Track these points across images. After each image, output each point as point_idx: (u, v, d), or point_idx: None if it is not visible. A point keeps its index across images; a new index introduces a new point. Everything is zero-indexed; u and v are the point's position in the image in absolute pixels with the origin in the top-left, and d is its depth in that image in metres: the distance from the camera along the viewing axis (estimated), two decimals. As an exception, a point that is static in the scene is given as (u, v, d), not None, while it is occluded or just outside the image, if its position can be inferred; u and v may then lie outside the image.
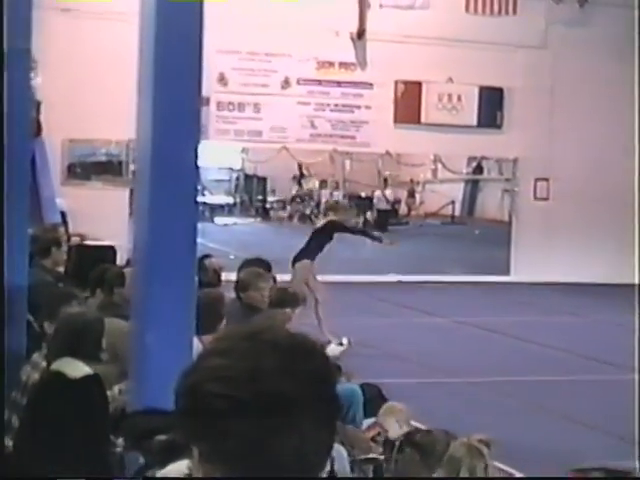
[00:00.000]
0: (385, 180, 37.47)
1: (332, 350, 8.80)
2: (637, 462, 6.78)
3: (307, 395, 1.67)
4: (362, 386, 8.51)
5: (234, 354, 1.69)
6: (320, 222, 15.07)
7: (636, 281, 21.01)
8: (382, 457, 7.00)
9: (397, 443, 6.01)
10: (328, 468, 5.65)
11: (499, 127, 21.54)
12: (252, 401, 1.65)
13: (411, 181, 39.31)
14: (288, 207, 38.65)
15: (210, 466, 1.70)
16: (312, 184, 38.92)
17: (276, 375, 1.66)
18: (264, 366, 1.67)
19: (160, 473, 3.25)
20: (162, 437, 4.01)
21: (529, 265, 21.31)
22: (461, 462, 5.17)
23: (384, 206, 36.26)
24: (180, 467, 2.67)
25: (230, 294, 8.85)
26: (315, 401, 1.68)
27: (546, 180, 21.88)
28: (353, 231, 14.90)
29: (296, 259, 14.53)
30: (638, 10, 19.45)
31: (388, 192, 36.97)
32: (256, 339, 1.72)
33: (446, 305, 17.95)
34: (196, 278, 7.64)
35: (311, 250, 14.62)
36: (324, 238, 14.64)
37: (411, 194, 40.22)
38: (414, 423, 9.20)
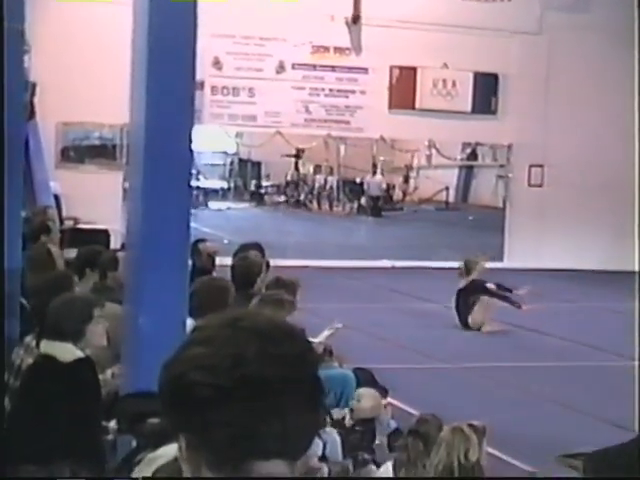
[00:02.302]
0: (374, 165, 37.39)
1: (323, 334, 8.78)
2: None
3: (289, 379, 1.68)
4: (355, 371, 8.52)
5: (215, 342, 1.70)
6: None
7: (634, 268, 21.06)
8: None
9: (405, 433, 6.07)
10: (320, 453, 5.67)
11: (494, 113, 21.52)
12: (235, 388, 1.66)
13: (406, 167, 39.29)
14: (283, 192, 38.61)
15: (196, 454, 1.71)
16: (307, 169, 38.88)
17: (258, 361, 1.67)
18: (245, 352, 1.67)
19: (151, 456, 3.26)
20: (154, 420, 4.02)
21: (523, 251, 21.33)
22: (452, 447, 5.20)
23: (375, 192, 36.19)
24: (171, 450, 2.68)
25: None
26: (297, 385, 1.69)
27: (540, 166, 21.89)
28: (494, 294, 15.03)
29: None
30: (638, 7, 19.37)
31: (378, 178, 36.86)
32: (236, 326, 1.72)
33: (439, 291, 17.93)
34: (190, 262, 7.65)
35: (464, 310, 14.94)
36: (470, 296, 14.97)
37: (406, 180, 40.20)
38: (406, 408, 9.23)
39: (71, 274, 8.03)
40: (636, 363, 11.80)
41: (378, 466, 6.68)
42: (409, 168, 39.64)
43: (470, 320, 14.83)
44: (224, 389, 1.66)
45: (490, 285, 15.00)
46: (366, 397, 7.37)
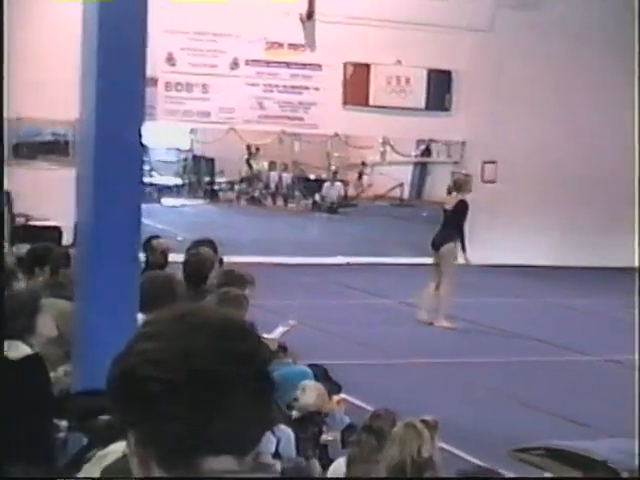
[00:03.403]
0: (335, 173, 37.47)
1: (277, 331, 8.77)
2: (583, 442, 6.85)
3: (238, 375, 1.68)
4: (308, 367, 8.52)
5: (165, 337, 1.69)
6: (451, 202, 15.06)
7: (585, 264, 21.25)
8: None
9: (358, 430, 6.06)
10: (273, 449, 5.66)
11: (447, 110, 21.60)
12: (184, 383, 1.65)
13: (363, 163, 39.36)
14: (237, 188, 38.52)
15: (144, 450, 1.70)
16: (261, 165, 38.82)
17: (207, 356, 1.67)
18: (195, 347, 1.67)
19: (101, 453, 3.24)
20: (105, 417, 3.99)
21: (477, 247, 21.32)
22: (405, 444, 5.20)
23: (333, 199, 36.25)
24: (121, 447, 2.66)
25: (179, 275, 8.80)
26: (246, 380, 1.69)
27: (493, 163, 22.01)
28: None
29: (439, 243, 14.91)
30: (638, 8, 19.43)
31: (337, 185, 36.95)
32: (186, 321, 1.72)
33: (394, 287, 18.02)
34: (140, 259, 7.60)
35: (452, 232, 14.86)
36: (460, 218, 14.90)
37: (360, 176, 40.27)
38: (360, 403, 9.26)
39: (16, 270, 7.96)
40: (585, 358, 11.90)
41: (331, 462, 6.68)
42: (364, 165, 39.72)
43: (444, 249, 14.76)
44: (173, 384, 1.65)
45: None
46: (310, 389, 7.36)
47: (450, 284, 14.82)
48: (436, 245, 14.99)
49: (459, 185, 15.21)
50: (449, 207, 15.05)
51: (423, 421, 5.33)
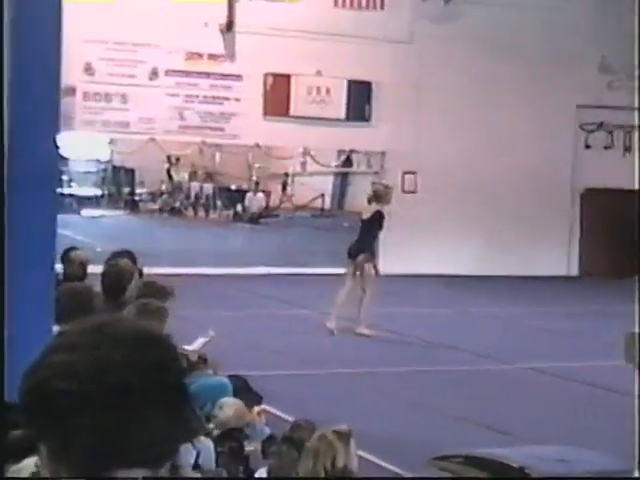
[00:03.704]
0: (256, 184, 37.47)
1: (197, 342, 8.73)
2: (501, 450, 6.93)
3: (152, 386, 1.67)
4: (229, 378, 8.49)
5: (79, 349, 1.67)
6: (368, 212, 15.13)
7: (504, 273, 21.49)
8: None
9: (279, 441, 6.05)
10: (193, 461, 5.60)
11: (367, 120, 21.71)
12: (98, 396, 1.63)
13: (286, 174, 39.38)
14: (158, 199, 38.30)
15: (57, 463, 1.68)
16: (182, 176, 38.65)
17: (121, 368, 1.65)
18: (109, 359, 1.65)
19: (14, 468, 3.19)
20: (18, 432, 3.93)
21: (397, 257, 21.54)
22: (318, 456, 5.21)
23: (255, 210, 36.22)
24: (34, 461, 2.63)
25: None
26: (161, 393, 1.68)
27: (413, 173, 22.17)
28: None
29: (355, 252, 14.98)
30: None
31: (259, 195, 36.94)
32: (101, 332, 1.70)
33: (314, 297, 18.02)
34: (58, 270, 7.51)
35: (368, 242, 14.99)
36: (376, 228, 14.99)
37: (283, 187, 40.27)
38: (281, 414, 9.25)
39: None
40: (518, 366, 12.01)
41: (252, 473, 6.66)
42: (287, 175, 39.75)
43: (361, 258, 14.82)
44: (86, 397, 1.63)
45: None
46: (227, 406, 7.31)
47: (370, 293, 14.89)
48: (352, 254, 15.05)
49: (379, 196, 15.27)
50: (366, 217, 15.13)
51: (336, 432, 5.34)
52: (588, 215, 23.58)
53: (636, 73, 20.85)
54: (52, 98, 4.56)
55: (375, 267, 15.13)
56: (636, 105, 22.18)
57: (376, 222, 15.01)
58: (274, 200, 39.36)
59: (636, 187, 23.08)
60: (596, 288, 21.47)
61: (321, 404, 10.28)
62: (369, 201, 15.50)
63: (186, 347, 8.45)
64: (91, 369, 1.64)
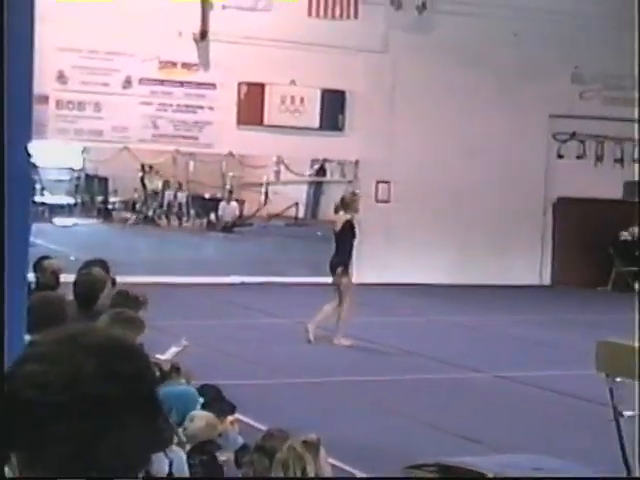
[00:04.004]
0: (230, 192, 37.42)
1: (170, 352, 8.70)
2: (474, 458, 6.95)
3: (125, 396, 1.67)
4: (202, 387, 8.46)
5: (51, 359, 1.67)
6: (339, 223, 15.10)
7: (478, 282, 21.56)
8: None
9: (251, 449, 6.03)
10: (167, 470, 5.56)
11: (341, 130, 21.75)
12: (71, 406, 1.63)
13: (267, 183, 39.27)
14: (131, 208, 38.18)
15: (30, 473, 1.67)
16: (155, 185, 38.55)
17: (94, 378, 1.65)
18: (82, 370, 1.65)
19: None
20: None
21: (370, 266, 21.57)
22: (288, 467, 5.21)
23: (229, 218, 36.15)
24: (6, 472, 2.61)
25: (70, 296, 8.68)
26: (134, 403, 1.68)
27: (387, 182, 22.22)
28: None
29: (335, 265, 15.03)
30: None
31: (232, 204, 36.88)
32: (73, 343, 1.70)
33: (288, 306, 18.04)
34: (31, 279, 7.47)
35: (344, 253, 14.96)
36: (349, 238, 14.99)
37: (267, 195, 40.09)
38: (254, 424, 9.24)
39: None
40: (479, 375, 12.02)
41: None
42: (267, 184, 39.71)
43: (339, 270, 14.82)
44: (59, 407, 1.63)
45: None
46: (198, 419, 7.28)
47: (348, 304, 14.90)
48: (332, 267, 15.08)
49: (346, 204, 15.26)
50: (338, 229, 15.14)
51: (305, 442, 5.34)
52: (560, 224, 23.70)
53: (636, 87, 20.97)
54: (25, 107, 4.55)
55: (348, 278, 15.15)
56: (608, 115, 22.34)
57: (348, 232, 15.03)
58: (248, 209, 39.33)
59: (608, 196, 23.28)
60: (568, 297, 21.57)
61: (295, 413, 10.27)
62: (336, 210, 15.51)
63: (158, 356, 8.42)
64: (64, 379, 1.64)
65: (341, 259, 15.01)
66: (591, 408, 10.46)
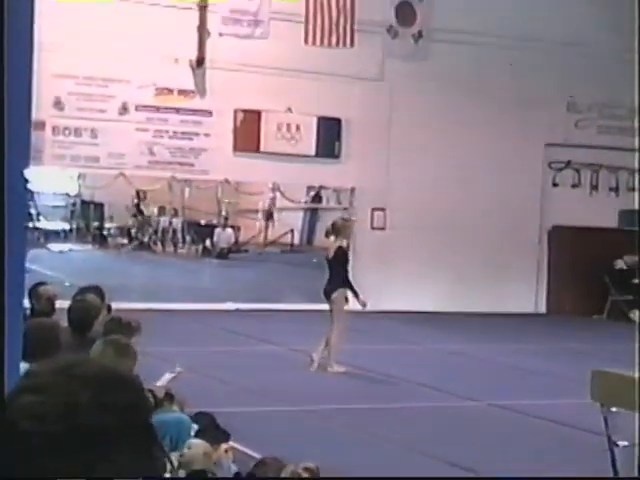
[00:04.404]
0: (226, 219, 37.47)
1: (164, 378, 8.68)
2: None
3: (122, 426, 1.67)
4: (196, 415, 8.44)
5: (47, 390, 1.67)
6: (331, 250, 15.08)
7: (472, 309, 21.56)
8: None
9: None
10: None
11: (337, 157, 21.80)
12: (67, 436, 1.63)
13: (256, 210, 39.34)
14: (126, 234, 38.19)
15: None
16: (151, 211, 38.59)
17: (90, 409, 1.65)
18: (78, 400, 1.66)
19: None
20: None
21: (365, 293, 21.49)
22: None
23: (224, 245, 36.17)
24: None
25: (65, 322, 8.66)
26: (130, 431, 1.69)
27: (382, 210, 22.25)
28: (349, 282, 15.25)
29: (329, 292, 14.98)
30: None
31: (228, 231, 36.92)
32: (68, 373, 1.70)
33: (283, 333, 18.02)
34: (26, 306, 7.46)
35: (337, 280, 14.94)
36: (342, 265, 14.98)
37: (271, 217, 40.08)
38: (249, 451, 9.21)
39: None
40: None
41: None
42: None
43: (335, 296, 14.80)
44: (55, 438, 1.63)
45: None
46: (195, 447, 7.26)
47: (341, 330, 14.88)
48: (327, 294, 15.07)
49: (337, 229, 15.23)
50: (330, 256, 15.13)
51: (306, 468, 5.33)
52: (556, 252, 23.73)
53: (636, 116, 21.05)
54: (23, 133, 4.56)
55: (359, 299, 15.15)
56: (603, 144, 22.41)
57: (340, 259, 15.03)
58: (244, 235, 39.37)
59: (603, 225, 23.32)
60: (564, 325, 21.57)
61: (289, 441, 10.24)
62: (327, 234, 15.52)
63: (153, 383, 8.40)
64: (60, 409, 1.65)
65: (335, 285, 14.99)
66: (586, 437, 10.45)
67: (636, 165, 22.58)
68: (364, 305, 15.19)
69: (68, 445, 1.64)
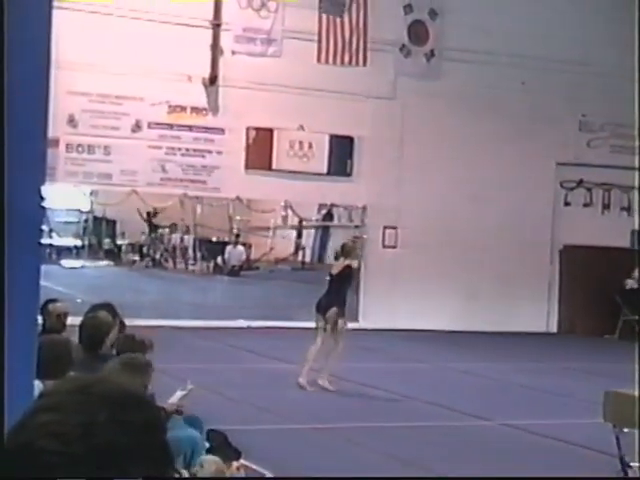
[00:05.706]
0: (237, 236, 37.50)
1: (176, 396, 8.68)
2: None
3: (139, 445, 1.69)
4: (208, 432, 8.44)
5: (65, 409, 1.68)
6: (338, 267, 14.98)
7: (483, 329, 21.52)
8: None
9: None
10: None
11: (349, 175, 21.83)
12: (86, 455, 1.64)
13: (300, 226, 39.32)
14: (138, 250, 38.26)
15: None
16: (162, 228, 38.65)
17: (107, 428, 1.66)
18: (96, 419, 1.67)
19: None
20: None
21: (377, 312, 21.60)
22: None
23: (235, 262, 36.19)
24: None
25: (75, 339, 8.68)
26: (147, 450, 1.70)
27: (394, 228, 22.25)
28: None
29: (325, 307, 14.84)
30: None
31: (239, 248, 36.93)
32: (86, 392, 1.71)
33: (294, 351, 17.98)
34: (40, 323, 7.47)
35: (337, 296, 14.83)
36: (345, 283, 14.93)
37: (299, 234, 40.13)
38: (260, 469, 9.20)
39: None
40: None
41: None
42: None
43: (331, 312, 14.72)
44: (73, 457, 1.64)
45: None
46: (208, 464, 7.26)
47: (339, 347, 14.72)
48: (321, 309, 14.91)
49: (347, 251, 15.14)
50: (335, 272, 15.01)
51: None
52: (567, 272, 23.69)
53: (636, 135, 21.05)
54: (40, 150, 4.58)
55: (343, 319, 15.01)
56: (621, 164, 22.39)
57: (346, 277, 14.93)
58: (255, 252, 39.37)
59: (614, 244, 23.27)
60: (575, 345, 21.51)
61: (301, 459, 10.22)
62: (336, 257, 15.44)
63: (165, 400, 8.40)
64: (77, 429, 1.66)
65: (334, 301, 14.83)
66: (598, 458, 10.41)
67: (636, 183, 22.56)
68: (344, 325, 15.03)
69: (85, 464, 1.65)
